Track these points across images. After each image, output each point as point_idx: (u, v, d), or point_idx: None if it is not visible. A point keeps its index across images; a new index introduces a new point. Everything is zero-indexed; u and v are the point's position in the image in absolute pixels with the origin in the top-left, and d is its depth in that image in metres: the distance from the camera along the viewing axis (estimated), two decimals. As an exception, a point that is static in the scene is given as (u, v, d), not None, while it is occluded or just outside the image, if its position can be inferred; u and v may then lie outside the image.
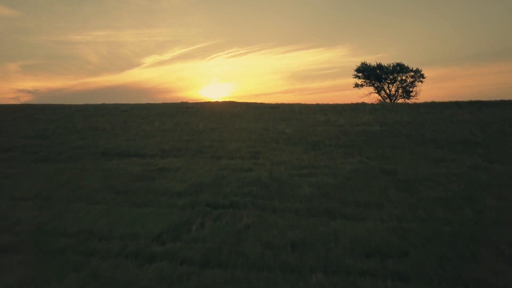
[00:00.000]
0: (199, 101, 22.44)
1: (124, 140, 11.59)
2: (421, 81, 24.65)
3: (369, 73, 25.16)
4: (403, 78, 24.83)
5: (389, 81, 25.10)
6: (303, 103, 21.57)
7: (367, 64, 25.38)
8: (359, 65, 25.77)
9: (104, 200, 6.60)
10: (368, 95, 25.95)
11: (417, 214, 5.32)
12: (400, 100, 24.78)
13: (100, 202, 6.52)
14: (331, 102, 29.45)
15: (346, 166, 7.90)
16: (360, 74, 25.78)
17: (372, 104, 17.99)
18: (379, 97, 25.57)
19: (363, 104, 17.96)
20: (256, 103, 20.92)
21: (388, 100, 25.31)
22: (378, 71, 24.91)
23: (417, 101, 23.55)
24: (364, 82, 25.83)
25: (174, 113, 16.62)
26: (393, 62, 24.43)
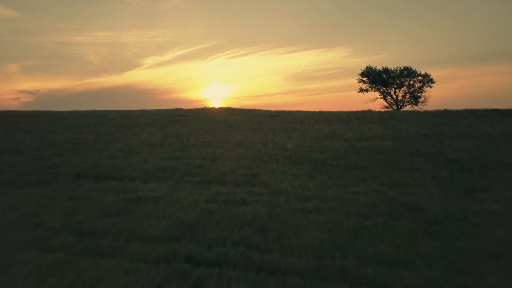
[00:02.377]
0: (194, 108, 21.13)
1: (105, 157, 10.28)
2: (430, 86, 23.29)
3: (375, 78, 23.83)
4: (411, 83, 23.52)
5: (396, 86, 23.78)
6: (304, 110, 20.26)
7: (372, 68, 24.04)
8: (363, 68, 24.46)
9: (62, 245, 5.31)
10: (373, 100, 24.62)
11: (462, 281, 4.01)
12: (408, 107, 23.50)
13: (57, 248, 5.24)
14: (334, 109, 27.93)
15: (359, 198, 6.58)
16: (365, 79, 24.45)
17: (379, 112, 16.67)
18: (385, 103, 24.26)
19: (370, 113, 16.64)
20: (255, 110, 19.62)
21: (394, 107, 23.99)
22: (384, 75, 23.57)
23: (426, 108, 22.21)
24: (369, 87, 24.49)
25: (166, 123, 15.32)
26: (400, 65, 23.17)
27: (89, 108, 23.05)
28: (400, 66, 23.50)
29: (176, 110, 20.11)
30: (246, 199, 6.64)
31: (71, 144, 12.05)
